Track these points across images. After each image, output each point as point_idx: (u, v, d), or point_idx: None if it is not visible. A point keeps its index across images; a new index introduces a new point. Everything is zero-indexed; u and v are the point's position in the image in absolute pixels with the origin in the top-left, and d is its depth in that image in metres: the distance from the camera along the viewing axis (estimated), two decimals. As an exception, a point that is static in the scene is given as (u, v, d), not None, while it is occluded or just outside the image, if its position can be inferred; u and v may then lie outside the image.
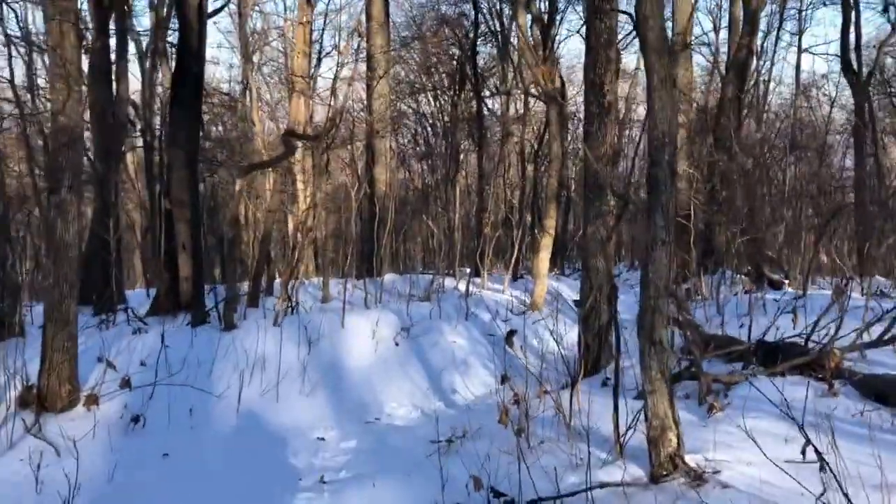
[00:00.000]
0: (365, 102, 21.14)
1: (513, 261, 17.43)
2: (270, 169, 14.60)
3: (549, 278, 20.61)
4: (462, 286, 15.62)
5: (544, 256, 15.03)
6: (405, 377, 9.77)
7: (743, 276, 14.95)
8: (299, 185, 20.55)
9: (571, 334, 14.30)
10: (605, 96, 8.49)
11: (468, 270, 18.02)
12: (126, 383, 7.41)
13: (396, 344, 10.54)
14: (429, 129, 35.06)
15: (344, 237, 24.29)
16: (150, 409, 7.23)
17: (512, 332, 11.99)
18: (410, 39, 29.27)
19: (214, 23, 63.79)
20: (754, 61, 21.82)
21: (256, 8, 22.26)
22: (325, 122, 13.62)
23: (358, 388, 9.11)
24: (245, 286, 12.87)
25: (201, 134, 23.72)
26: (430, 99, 34.39)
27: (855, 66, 21.12)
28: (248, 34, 20.28)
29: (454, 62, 30.58)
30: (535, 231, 22.64)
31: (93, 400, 7.10)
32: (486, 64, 30.55)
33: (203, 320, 10.02)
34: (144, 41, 23.62)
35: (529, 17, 19.39)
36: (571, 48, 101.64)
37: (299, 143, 11.54)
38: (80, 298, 15.13)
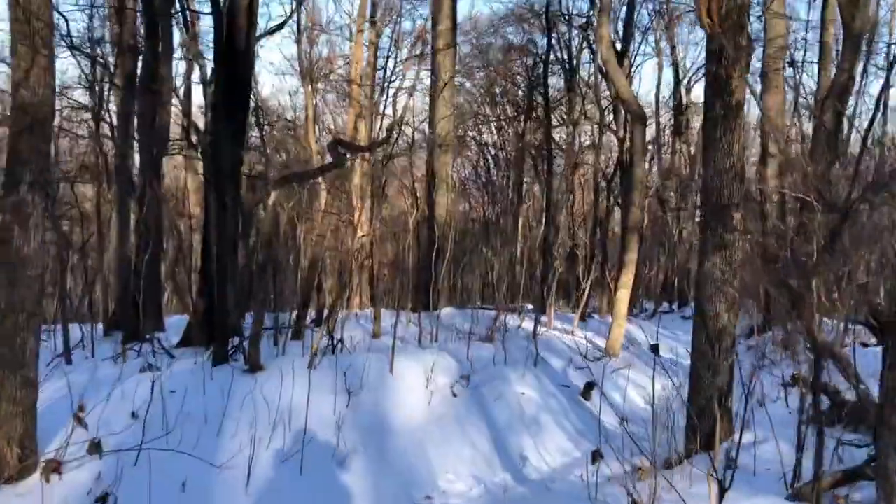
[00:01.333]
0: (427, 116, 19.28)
1: (584, 299, 15.21)
2: (324, 188, 12.72)
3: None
4: (527, 325, 13.50)
5: (623, 295, 12.81)
6: (464, 439, 7.65)
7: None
8: (355, 210, 18.75)
9: (657, 387, 12.04)
10: (732, 94, 6.33)
11: (530, 307, 15.89)
12: (95, 447, 5.43)
13: (454, 395, 8.44)
14: (490, 159, 33.15)
15: (400, 267, 22.43)
16: (128, 483, 5.23)
17: (591, 386, 9.79)
18: (478, 66, 27.38)
19: (280, 49, 63.08)
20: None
21: (317, 29, 20.71)
22: (379, 132, 11.75)
23: (407, 454, 7.01)
24: (291, 317, 10.98)
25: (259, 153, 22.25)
26: (494, 130, 32.55)
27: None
28: (306, 52, 18.67)
29: (519, 91, 28.70)
30: (603, 266, 20.41)
31: (53, 468, 5.15)
32: (552, 94, 28.60)
33: (224, 359, 8.06)
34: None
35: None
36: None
37: (349, 154, 9.59)
38: (118, 325, 13.65)
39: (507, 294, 16.29)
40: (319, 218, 12.60)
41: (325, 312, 12.68)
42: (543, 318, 14.43)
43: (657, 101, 27.93)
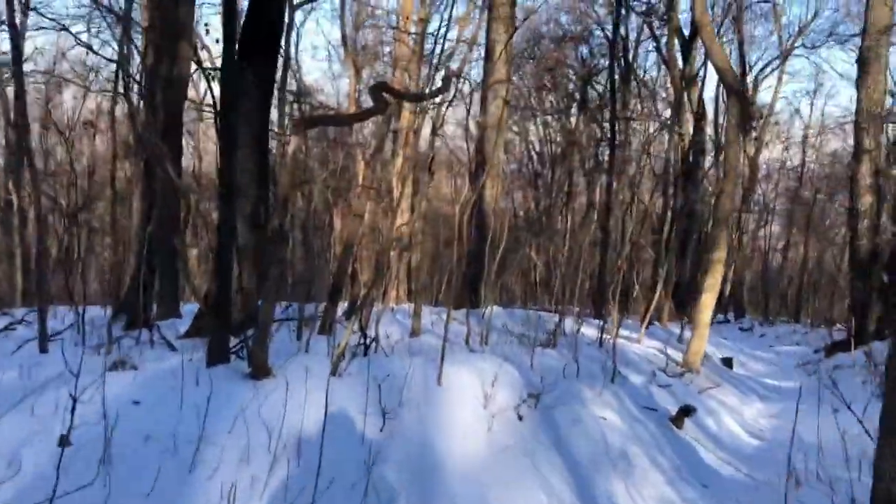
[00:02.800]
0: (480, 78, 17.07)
1: (653, 304, 12.90)
2: (361, 158, 10.58)
3: (674, 328, 16.03)
4: (587, 331, 11.28)
5: (709, 301, 10.51)
6: (537, 479, 5.43)
7: None
8: (395, 193, 16.64)
9: (751, 412, 9.74)
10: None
11: (576, 310, 13.64)
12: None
13: (520, 418, 6.23)
14: (534, 155, 30.87)
15: (441, 260, 20.31)
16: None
17: (687, 411, 7.52)
18: (528, 56, 25.12)
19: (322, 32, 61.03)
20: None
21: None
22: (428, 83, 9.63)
23: (463, 501, 4.82)
24: (318, 308, 8.90)
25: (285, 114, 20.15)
26: (539, 125, 30.27)
27: None
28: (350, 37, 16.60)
29: (570, 83, 26.42)
30: (661, 267, 18.06)
31: None
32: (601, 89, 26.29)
33: (223, 357, 5.91)
34: None
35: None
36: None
37: (392, 100, 7.43)
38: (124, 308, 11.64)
39: (562, 295, 14.08)
40: (356, 194, 10.53)
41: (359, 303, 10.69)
42: (603, 324, 12.20)
43: (717, 99, 25.49)
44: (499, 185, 15.01)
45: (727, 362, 13.75)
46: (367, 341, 6.69)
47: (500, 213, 14.93)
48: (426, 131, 20.33)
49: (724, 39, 24.76)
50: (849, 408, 5.72)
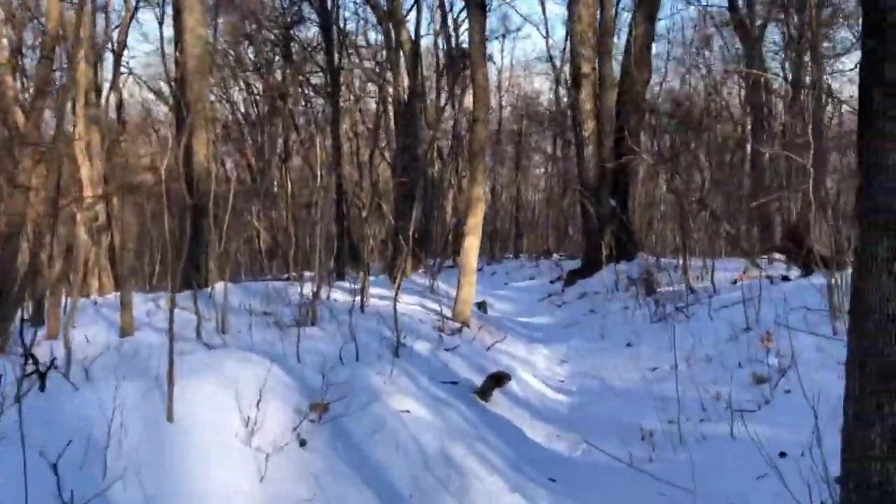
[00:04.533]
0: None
1: (405, 257, 11.16)
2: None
3: (419, 278, 14.65)
4: (341, 296, 9.36)
5: (473, 243, 8.98)
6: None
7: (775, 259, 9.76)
8: (83, 170, 13.16)
9: (541, 360, 8.37)
10: None
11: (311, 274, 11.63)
12: None
13: (303, 443, 4.05)
14: (240, 116, 27.72)
15: (151, 235, 17.03)
16: None
17: (500, 379, 5.84)
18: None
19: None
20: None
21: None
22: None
23: None
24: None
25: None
26: (243, 84, 27.16)
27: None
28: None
29: (272, 33, 23.71)
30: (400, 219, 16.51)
31: None
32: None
33: None
34: None
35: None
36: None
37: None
38: None
39: (296, 260, 11.92)
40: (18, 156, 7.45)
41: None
42: (352, 286, 10.31)
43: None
44: (208, 140, 12.26)
45: (481, 306, 12.54)
46: (41, 369, 4.02)
47: (215, 176, 12.27)
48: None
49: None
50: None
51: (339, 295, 9.58)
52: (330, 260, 17.29)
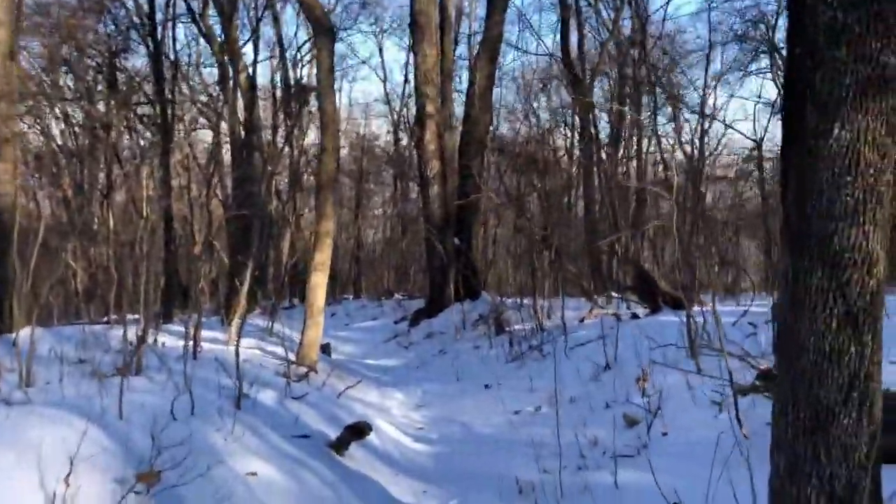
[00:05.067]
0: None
1: (242, 299, 10.20)
2: None
3: (257, 320, 13.67)
4: (167, 339, 8.38)
5: (320, 280, 8.30)
6: None
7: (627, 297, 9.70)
8: None
9: (395, 406, 7.72)
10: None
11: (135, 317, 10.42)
12: None
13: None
14: (56, 147, 25.22)
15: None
16: None
17: (361, 431, 5.21)
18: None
19: None
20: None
21: None
22: None
23: None
24: None
25: None
26: (60, 113, 24.81)
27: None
28: None
29: (96, 62, 21.88)
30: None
31: None
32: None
33: None
34: None
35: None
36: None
37: None
38: None
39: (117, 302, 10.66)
40: None
41: None
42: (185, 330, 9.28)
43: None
44: (14, 168, 10.75)
45: (325, 349, 11.78)
46: None
47: (23, 210, 10.76)
48: None
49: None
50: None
51: (167, 339, 8.55)
52: (156, 301, 15.87)
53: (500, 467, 4.96)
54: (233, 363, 6.16)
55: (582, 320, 9.09)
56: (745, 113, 63.28)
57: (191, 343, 7.55)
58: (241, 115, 18.50)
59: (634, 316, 8.08)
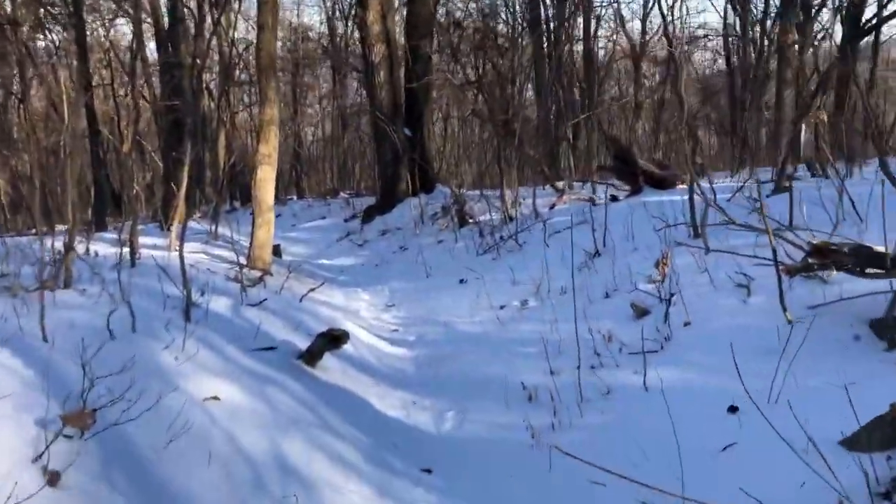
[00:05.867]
0: None
1: (179, 201, 9.15)
2: None
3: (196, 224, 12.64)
4: (100, 248, 7.46)
5: (267, 174, 7.37)
6: None
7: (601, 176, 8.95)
8: None
9: (364, 307, 6.96)
10: None
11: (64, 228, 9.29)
12: None
13: (53, 480, 2.44)
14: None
15: None
16: None
17: (337, 339, 4.47)
18: None
19: None
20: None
21: None
22: None
23: None
24: None
25: None
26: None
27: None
28: None
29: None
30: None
31: None
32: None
33: None
34: None
35: None
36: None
37: None
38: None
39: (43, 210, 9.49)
40: None
41: None
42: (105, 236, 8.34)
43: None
44: None
45: (275, 251, 10.91)
46: None
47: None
48: None
49: None
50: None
51: (101, 248, 7.56)
52: (87, 210, 14.61)
53: (495, 370, 4.31)
54: (177, 269, 5.29)
55: (552, 207, 8.40)
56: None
57: (127, 250, 6.63)
58: (162, 4, 16.69)
59: (614, 199, 7.39)
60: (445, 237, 8.93)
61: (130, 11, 19.37)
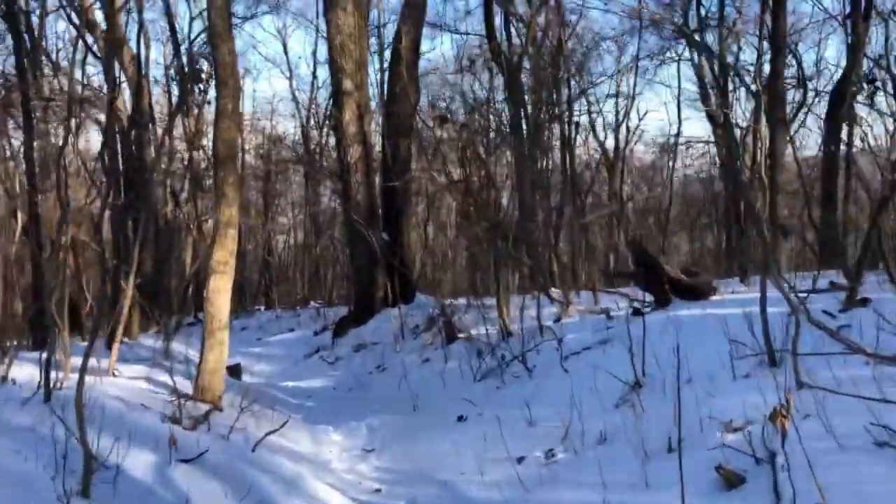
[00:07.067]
0: None
1: (123, 315, 7.71)
2: None
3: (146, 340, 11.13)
4: (28, 371, 5.99)
5: (222, 284, 6.01)
6: None
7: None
8: None
9: (334, 453, 5.42)
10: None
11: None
12: None
13: None
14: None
15: None
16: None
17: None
18: None
19: None
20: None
21: None
22: None
23: None
24: None
25: None
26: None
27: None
28: None
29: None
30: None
31: None
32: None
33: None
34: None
35: None
36: None
37: None
38: None
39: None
40: None
41: None
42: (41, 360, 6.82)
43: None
44: None
45: (234, 371, 9.40)
46: None
47: None
48: None
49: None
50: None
51: (26, 372, 6.06)
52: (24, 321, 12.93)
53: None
54: (104, 404, 3.86)
55: (557, 320, 7.14)
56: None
57: (44, 378, 5.20)
58: (126, 107, 15.73)
59: (637, 312, 6.13)
60: (432, 355, 7.57)
61: (91, 114, 18.40)
